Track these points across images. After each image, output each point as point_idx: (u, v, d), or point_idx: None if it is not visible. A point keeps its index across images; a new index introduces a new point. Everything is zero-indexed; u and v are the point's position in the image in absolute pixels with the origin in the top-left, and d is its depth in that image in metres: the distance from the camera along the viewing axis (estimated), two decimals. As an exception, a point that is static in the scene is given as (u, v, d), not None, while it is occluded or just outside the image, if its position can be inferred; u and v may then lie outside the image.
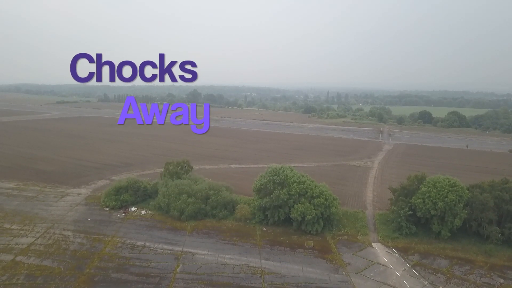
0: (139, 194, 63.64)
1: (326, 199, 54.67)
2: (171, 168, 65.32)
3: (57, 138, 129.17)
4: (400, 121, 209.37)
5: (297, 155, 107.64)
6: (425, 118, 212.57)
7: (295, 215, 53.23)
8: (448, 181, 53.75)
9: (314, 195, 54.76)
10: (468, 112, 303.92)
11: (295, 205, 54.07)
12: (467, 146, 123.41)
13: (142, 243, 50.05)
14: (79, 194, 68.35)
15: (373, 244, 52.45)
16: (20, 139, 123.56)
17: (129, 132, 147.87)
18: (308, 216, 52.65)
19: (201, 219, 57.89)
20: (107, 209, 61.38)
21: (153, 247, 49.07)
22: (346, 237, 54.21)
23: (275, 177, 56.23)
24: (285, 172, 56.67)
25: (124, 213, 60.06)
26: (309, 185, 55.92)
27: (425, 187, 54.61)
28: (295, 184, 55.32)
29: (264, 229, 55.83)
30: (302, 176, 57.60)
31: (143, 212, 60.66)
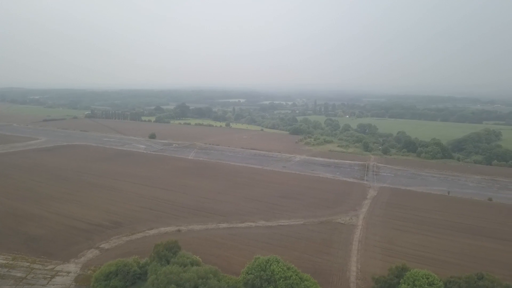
0: (129, 278, 64.82)
1: (310, 295, 57.02)
2: (160, 250, 66.72)
3: (45, 182, 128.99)
4: (385, 150, 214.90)
5: (284, 206, 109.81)
6: (410, 147, 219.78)
7: (280, 313, 55.35)
8: (427, 279, 56.68)
9: (299, 291, 57.01)
10: (451, 131, 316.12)
11: (281, 302, 56.19)
12: (448, 193, 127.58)
13: None
14: (69, 273, 69.13)
15: None
16: (8, 185, 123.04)
17: (116, 171, 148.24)
18: (293, 314, 54.87)
19: (189, 309, 59.49)
20: (97, 296, 62.46)
21: None
22: (329, 332, 56.49)
23: (262, 272, 58.27)
24: (271, 267, 58.74)
25: (113, 302, 61.21)
26: (295, 280, 58.03)
27: (405, 284, 57.37)
28: (281, 280, 57.44)
29: (251, 322, 57.70)
30: (288, 269, 59.74)
31: (132, 300, 61.89)
